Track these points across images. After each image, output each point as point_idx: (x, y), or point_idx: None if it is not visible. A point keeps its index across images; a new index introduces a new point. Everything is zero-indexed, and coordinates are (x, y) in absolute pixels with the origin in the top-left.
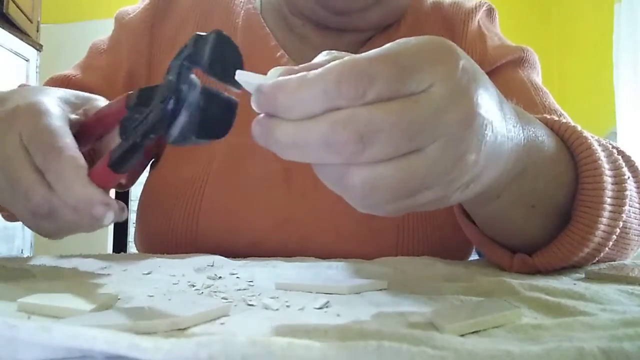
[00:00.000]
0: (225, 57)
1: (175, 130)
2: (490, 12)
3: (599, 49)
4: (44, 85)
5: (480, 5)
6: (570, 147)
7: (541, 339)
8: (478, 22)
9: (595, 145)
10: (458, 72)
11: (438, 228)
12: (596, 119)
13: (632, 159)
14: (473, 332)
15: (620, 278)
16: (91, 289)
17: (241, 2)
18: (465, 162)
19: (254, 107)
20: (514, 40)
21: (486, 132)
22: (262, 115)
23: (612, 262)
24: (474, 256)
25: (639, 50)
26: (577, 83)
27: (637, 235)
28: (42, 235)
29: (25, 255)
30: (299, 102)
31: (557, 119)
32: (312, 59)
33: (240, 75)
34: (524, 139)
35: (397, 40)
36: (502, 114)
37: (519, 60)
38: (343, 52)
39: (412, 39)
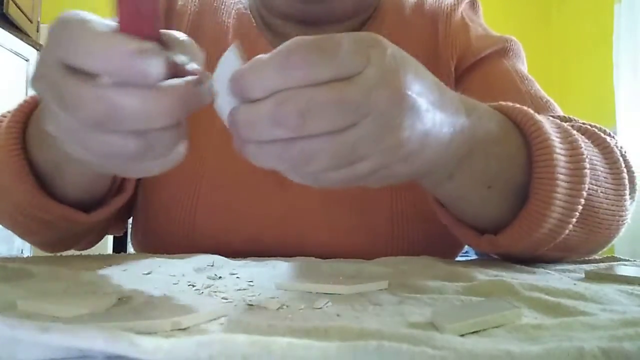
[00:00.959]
0: None
1: None
2: (473, 4)
3: (599, 49)
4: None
5: None
6: (522, 128)
7: (541, 339)
8: (461, 13)
9: (547, 126)
10: (387, 57)
11: (432, 220)
12: (596, 119)
13: (608, 140)
14: (473, 332)
15: (620, 278)
16: (91, 289)
17: (232, 2)
18: (398, 136)
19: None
20: None
21: (419, 112)
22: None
23: (612, 262)
24: (473, 256)
25: (639, 50)
26: (577, 83)
27: (610, 215)
28: (121, 172)
29: (25, 255)
30: (253, 84)
31: (511, 104)
32: None
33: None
34: (468, 122)
35: (338, 34)
36: (440, 98)
37: (504, 50)
38: (305, 37)
39: (350, 33)
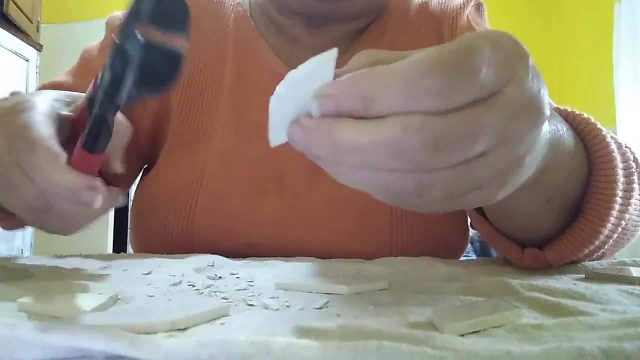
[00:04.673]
0: (169, 9)
1: (124, 91)
2: (478, 7)
3: (599, 48)
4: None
5: (468, 0)
6: (584, 139)
7: (541, 339)
8: (467, 17)
9: (609, 138)
10: (529, 73)
11: (432, 224)
12: (596, 119)
13: (632, 150)
14: (473, 332)
15: (620, 278)
16: (91, 289)
17: (231, 4)
18: (522, 164)
19: (316, 108)
20: None
21: (543, 132)
22: (303, 115)
23: (612, 262)
24: (473, 256)
25: (639, 50)
26: (577, 83)
27: (634, 226)
28: (52, 233)
29: (25, 255)
30: (375, 98)
31: (570, 109)
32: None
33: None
34: (549, 134)
35: (464, 37)
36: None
37: None
38: (383, 51)
39: (478, 36)
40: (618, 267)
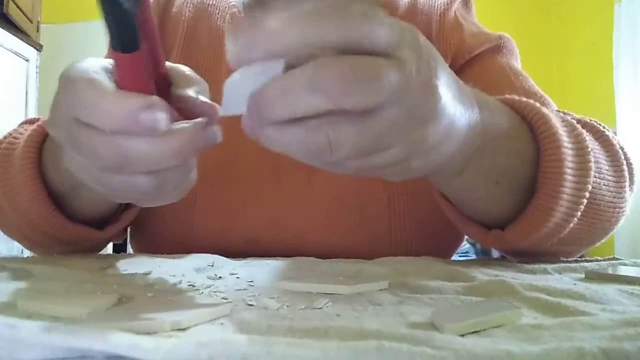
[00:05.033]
0: None
1: None
2: (466, 2)
3: (599, 49)
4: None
5: None
6: (530, 122)
7: (541, 339)
8: (454, 12)
9: (553, 120)
10: (421, 44)
11: (429, 216)
12: (596, 119)
13: (607, 133)
14: (473, 332)
15: (620, 278)
16: (91, 289)
17: (225, 7)
18: (424, 128)
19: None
20: (514, 40)
21: (445, 105)
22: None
23: (613, 262)
24: (473, 256)
25: (639, 50)
26: (577, 83)
27: (611, 208)
28: (146, 203)
29: (25, 255)
30: (279, 107)
31: (517, 98)
32: None
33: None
34: (480, 116)
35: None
36: (459, 92)
37: (497, 47)
38: None
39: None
40: (618, 267)
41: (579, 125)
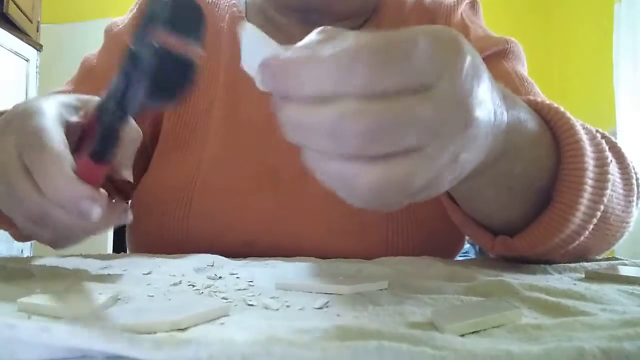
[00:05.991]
0: (185, 15)
1: (136, 99)
2: (473, 4)
3: (599, 49)
4: None
5: None
6: (553, 127)
7: (541, 339)
8: (461, 14)
9: (578, 127)
10: (465, 70)
11: (427, 220)
12: (596, 119)
13: (618, 145)
14: (473, 332)
15: (620, 278)
16: (91, 289)
17: (226, 5)
18: (458, 161)
19: (259, 85)
20: None
21: (478, 131)
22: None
23: (612, 262)
24: (473, 256)
25: (639, 50)
26: (577, 83)
27: (619, 222)
28: (46, 244)
29: (25, 255)
30: (307, 82)
31: (541, 100)
32: None
33: (246, 51)
34: (506, 122)
35: (404, 29)
36: (492, 103)
37: (504, 52)
38: (337, 29)
39: (418, 28)
40: (618, 267)
41: (599, 135)
